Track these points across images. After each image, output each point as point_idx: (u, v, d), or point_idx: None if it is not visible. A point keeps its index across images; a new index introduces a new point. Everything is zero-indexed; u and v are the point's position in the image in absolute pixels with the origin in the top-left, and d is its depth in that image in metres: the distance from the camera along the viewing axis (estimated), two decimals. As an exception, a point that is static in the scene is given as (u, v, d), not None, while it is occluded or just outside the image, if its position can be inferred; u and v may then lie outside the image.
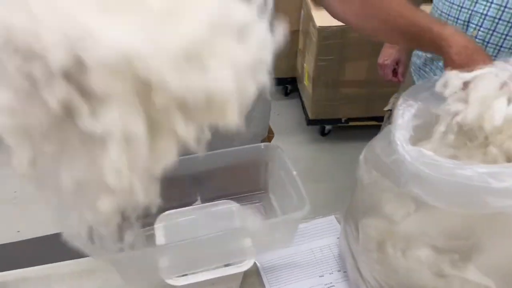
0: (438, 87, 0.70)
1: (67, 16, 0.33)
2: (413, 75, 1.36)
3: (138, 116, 0.37)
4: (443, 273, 0.62)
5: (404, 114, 0.68)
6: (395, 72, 1.54)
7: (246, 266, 0.71)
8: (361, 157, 0.79)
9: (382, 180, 0.70)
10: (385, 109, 1.59)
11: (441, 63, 1.17)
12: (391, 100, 1.57)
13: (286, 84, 3.00)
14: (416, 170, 0.54)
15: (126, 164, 0.38)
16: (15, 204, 2.19)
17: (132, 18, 0.35)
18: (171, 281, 0.68)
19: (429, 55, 1.25)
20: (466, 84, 0.67)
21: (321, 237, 0.97)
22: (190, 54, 0.36)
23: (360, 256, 0.76)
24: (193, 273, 0.70)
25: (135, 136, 0.38)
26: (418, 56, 1.31)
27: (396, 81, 1.55)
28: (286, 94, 3.04)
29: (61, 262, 0.89)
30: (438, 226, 0.60)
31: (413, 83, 1.35)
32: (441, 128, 0.65)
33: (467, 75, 0.67)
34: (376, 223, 0.71)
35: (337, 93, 2.39)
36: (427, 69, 1.28)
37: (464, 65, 0.73)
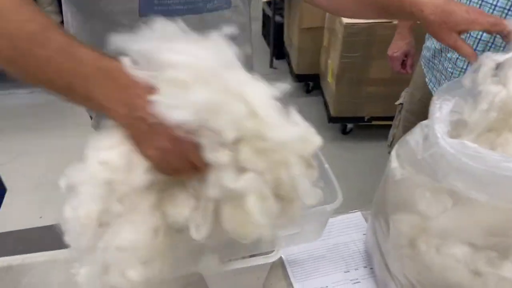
0: (467, 81, 0.70)
1: (242, 108, 0.48)
2: (423, 67, 1.37)
3: (267, 184, 0.50)
4: (479, 270, 0.60)
5: (442, 107, 0.66)
6: (404, 64, 1.56)
7: (274, 257, 0.70)
8: (393, 152, 0.78)
9: (416, 175, 0.69)
10: (397, 103, 1.61)
11: (449, 55, 1.20)
12: (403, 94, 1.58)
13: (308, 81, 2.98)
14: (458, 163, 0.52)
15: (263, 211, 0.50)
16: (38, 190, 2.22)
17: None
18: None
19: (437, 47, 1.26)
20: (498, 66, 0.68)
21: (347, 232, 0.96)
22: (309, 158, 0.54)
23: (389, 252, 0.75)
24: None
25: (266, 196, 0.50)
26: (428, 49, 1.32)
27: (405, 73, 1.57)
28: (308, 91, 3.02)
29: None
30: (476, 222, 0.58)
31: (423, 76, 1.37)
32: (482, 106, 0.63)
33: (500, 57, 0.68)
34: (409, 219, 0.69)
35: (361, 91, 2.36)
36: (435, 61, 1.29)
37: (442, 23, 0.73)
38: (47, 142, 2.54)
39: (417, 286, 0.69)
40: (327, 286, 0.84)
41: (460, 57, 1.14)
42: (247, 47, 0.92)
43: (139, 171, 0.49)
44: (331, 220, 0.97)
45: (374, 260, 0.84)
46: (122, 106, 0.50)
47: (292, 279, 0.86)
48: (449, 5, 0.74)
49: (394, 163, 0.76)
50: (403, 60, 1.55)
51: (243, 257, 0.70)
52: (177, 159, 0.50)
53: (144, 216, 0.51)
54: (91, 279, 0.53)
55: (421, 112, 1.42)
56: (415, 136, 0.74)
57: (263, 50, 3.55)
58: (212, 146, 0.47)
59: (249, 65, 0.89)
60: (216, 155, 0.47)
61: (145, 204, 0.51)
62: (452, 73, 1.18)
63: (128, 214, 0.50)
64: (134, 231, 0.50)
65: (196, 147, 0.48)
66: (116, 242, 0.49)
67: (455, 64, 1.17)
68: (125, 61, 0.50)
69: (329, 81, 2.48)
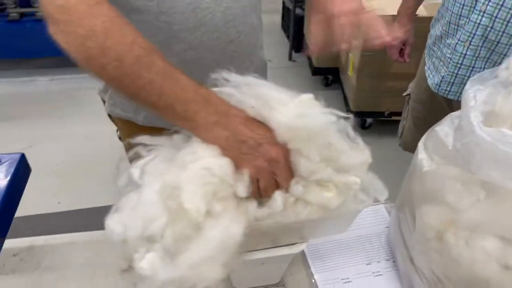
0: (501, 71, 0.69)
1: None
2: (425, 56, 1.37)
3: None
4: (510, 265, 0.58)
5: (476, 96, 0.64)
6: (401, 53, 1.55)
7: (298, 248, 0.69)
8: (420, 143, 0.76)
9: (446, 166, 0.67)
10: (404, 94, 1.60)
11: (448, 40, 1.20)
12: (410, 85, 1.57)
13: (328, 74, 2.95)
14: (496, 151, 0.50)
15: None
16: (57, 176, 2.24)
17: None
18: None
19: (438, 34, 1.26)
20: None
21: (369, 225, 0.94)
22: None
23: (414, 245, 0.73)
24: (245, 252, 0.69)
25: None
26: (430, 36, 1.33)
27: (402, 61, 1.56)
28: (327, 84, 2.99)
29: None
30: (510, 215, 0.56)
31: (424, 63, 1.37)
32: None
33: None
34: (437, 211, 0.67)
35: (382, 85, 2.33)
36: (435, 48, 1.29)
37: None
38: (66, 129, 2.57)
39: (443, 280, 0.67)
40: (348, 278, 0.83)
41: (459, 42, 1.14)
42: (255, 18, 0.90)
43: (243, 183, 0.57)
44: (353, 212, 0.96)
45: (397, 253, 0.82)
46: (223, 130, 0.56)
47: (312, 270, 0.85)
48: None
49: (421, 154, 0.74)
50: (402, 49, 1.54)
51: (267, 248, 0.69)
52: (267, 178, 0.57)
53: (238, 218, 0.56)
54: (157, 265, 0.54)
55: (428, 102, 1.41)
56: (444, 127, 0.72)
57: (283, 42, 3.53)
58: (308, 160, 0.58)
59: (258, 36, 0.94)
60: (313, 165, 0.59)
61: (239, 208, 0.57)
62: (451, 59, 1.17)
63: (224, 215, 0.55)
64: (233, 230, 0.55)
65: (287, 166, 0.58)
66: (213, 239, 0.53)
67: (454, 49, 1.16)
68: (223, 90, 0.59)
69: (350, 75, 2.45)
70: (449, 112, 0.74)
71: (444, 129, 0.72)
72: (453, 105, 1.26)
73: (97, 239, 0.89)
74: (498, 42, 1.07)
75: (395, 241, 0.83)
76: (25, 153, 0.77)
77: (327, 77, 2.97)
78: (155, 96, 0.57)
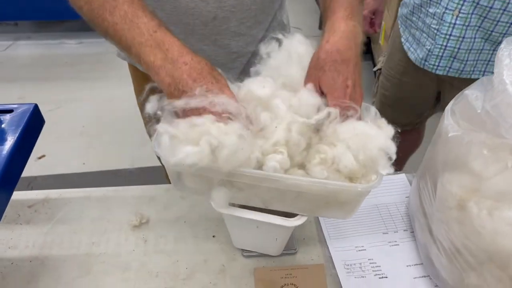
0: None
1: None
2: (399, 26, 1.26)
3: None
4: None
5: (511, 55, 0.59)
6: (372, 23, 1.45)
7: (291, 223, 0.65)
8: (447, 108, 0.72)
9: (473, 131, 0.63)
10: (375, 69, 1.51)
11: (432, 9, 1.09)
12: (380, 59, 1.47)
13: (358, 44, 2.85)
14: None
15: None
16: (82, 137, 2.27)
17: None
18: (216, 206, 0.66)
19: (417, 2, 1.14)
20: None
21: (389, 194, 0.91)
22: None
23: (434, 214, 0.70)
24: (243, 207, 0.67)
25: None
26: (406, 5, 1.21)
27: (372, 32, 1.46)
28: (357, 55, 2.90)
29: (124, 187, 0.90)
30: (541, 184, 0.52)
31: (399, 35, 1.26)
32: None
33: None
34: (460, 179, 0.63)
35: (414, 56, 2.23)
36: (414, 18, 1.18)
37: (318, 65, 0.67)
38: (92, 92, 2.59)
39: (463, 251, 0.64)
40: (362, 246, 0.80)
41: (447, 11, 1.03)
42: None
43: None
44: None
45: (416, 222, 0.79)
46: (167, 76, 0.58)
47: (326, 236, 0.82)
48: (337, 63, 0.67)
49: (447, 119, 0.69)
50: (371, 19, 1.43)
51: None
52: None
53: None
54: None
55: (399, 76, 1.29)
56: (474, 90, 0.67)
57: (313, 10, 3.43)
58: None
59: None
60: None
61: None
62: (438, 29, 1.07)
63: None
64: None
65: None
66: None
67: (441, 19, 1.05)
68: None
69: (381, 44, 2.35)
70: (421, 94, 0.67)
71: (474, 92, 0.67)
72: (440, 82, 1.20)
73: (110, 195, 0.89)
74: (491, 8, 0.96)
75: (414, 210, 0.80)
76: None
77: (357, 47, 2.87)
78: (117, 38, 0.61)
